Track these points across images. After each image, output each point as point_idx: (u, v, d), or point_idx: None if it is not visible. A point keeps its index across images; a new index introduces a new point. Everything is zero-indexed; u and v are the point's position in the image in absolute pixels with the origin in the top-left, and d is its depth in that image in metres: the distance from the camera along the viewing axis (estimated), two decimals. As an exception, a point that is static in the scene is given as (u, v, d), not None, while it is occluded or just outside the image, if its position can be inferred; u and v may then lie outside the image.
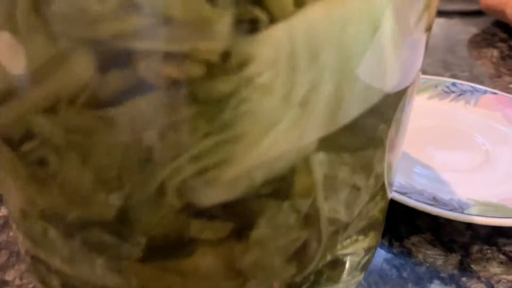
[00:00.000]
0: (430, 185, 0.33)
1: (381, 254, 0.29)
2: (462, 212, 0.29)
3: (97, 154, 0.11)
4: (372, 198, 0.18)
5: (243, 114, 0.11)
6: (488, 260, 0.29)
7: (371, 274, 0.27)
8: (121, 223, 0.14)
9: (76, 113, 0.11)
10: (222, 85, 0.11)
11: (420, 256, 0.29)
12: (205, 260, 0.15)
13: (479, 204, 0.30)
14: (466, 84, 0.45)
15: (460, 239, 0.30)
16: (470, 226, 0.31)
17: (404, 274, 0.27)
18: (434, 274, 0.28)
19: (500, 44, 0.62)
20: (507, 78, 0.52)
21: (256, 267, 0.15)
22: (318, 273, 0.17)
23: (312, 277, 0.17)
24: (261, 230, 0.14)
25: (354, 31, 0.12)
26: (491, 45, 0.61)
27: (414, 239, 0.30)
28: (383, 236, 0.30)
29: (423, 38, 0.16)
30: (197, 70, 0.10)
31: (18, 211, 0.15)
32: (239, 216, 0.14)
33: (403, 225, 0.31)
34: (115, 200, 0.12)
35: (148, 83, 0.10)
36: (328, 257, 0.17)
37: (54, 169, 0.12)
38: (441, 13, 0.72)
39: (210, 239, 0.14)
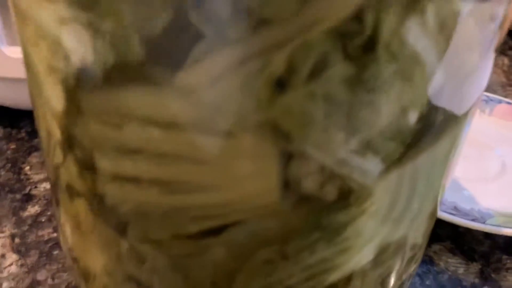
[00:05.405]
0: (450, 194, 0.33)
1: (405, 262, 0.30)
2: (484, 223, 0.29)
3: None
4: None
5: (353, 234, 0.13)
6: (508, 269, 0.29)
7: (396, 281, 0.28)
8: None
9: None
10: (343, 216, 0.13)
11: (442, 264, 0.30)
12: None
13: (499, 215, 0.31)
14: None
15: (480, 248, 0.31)
16: (488, 235, 0.32)
17: (427, 282, 0.28)
18: (457, 282, 0.28)
19: (510, 52, 0.62)
20: (519, 87, 0.53)
21: None
22: None
23: None
24: None
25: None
26: (502, 53, 0.62)
27: (435, 247, 0.31)
28: (405, 244, 0.31)
29: (491, 58, 0.15)
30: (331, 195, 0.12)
31: (101, 266, 0.16)
32: None
33: (424, 233, 0.32)
34: None
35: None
36: None
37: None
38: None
39: None
